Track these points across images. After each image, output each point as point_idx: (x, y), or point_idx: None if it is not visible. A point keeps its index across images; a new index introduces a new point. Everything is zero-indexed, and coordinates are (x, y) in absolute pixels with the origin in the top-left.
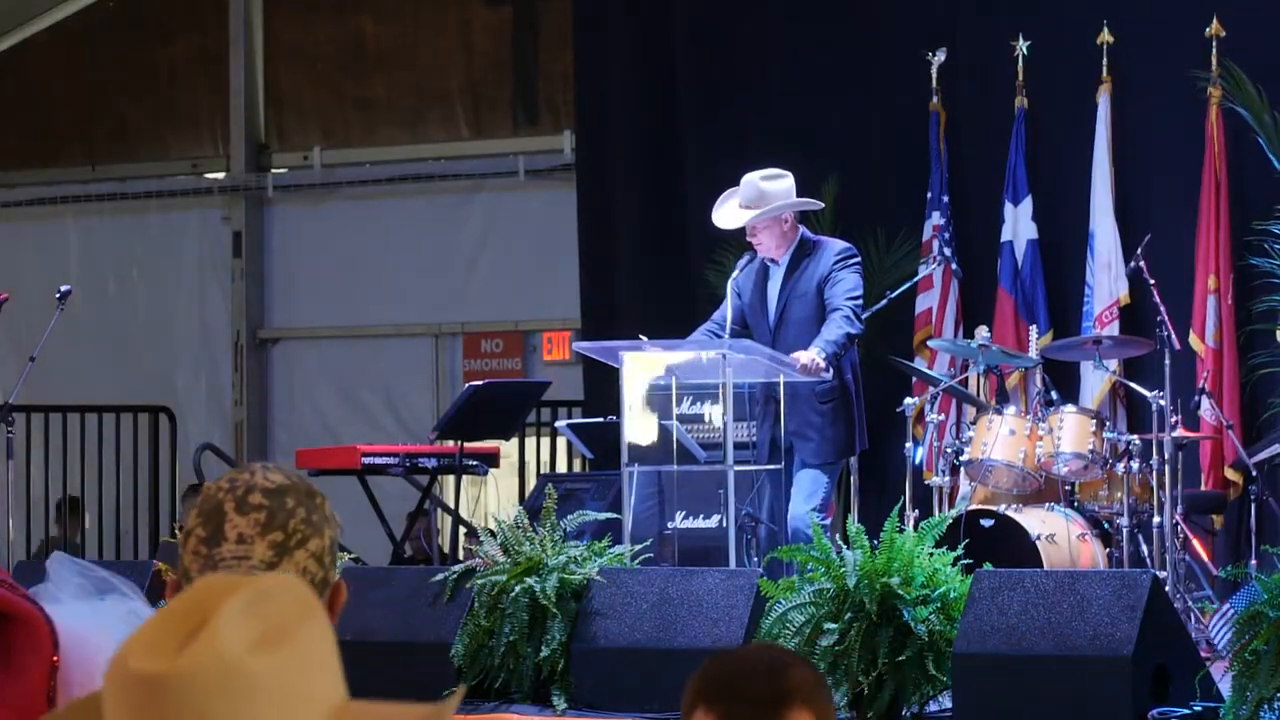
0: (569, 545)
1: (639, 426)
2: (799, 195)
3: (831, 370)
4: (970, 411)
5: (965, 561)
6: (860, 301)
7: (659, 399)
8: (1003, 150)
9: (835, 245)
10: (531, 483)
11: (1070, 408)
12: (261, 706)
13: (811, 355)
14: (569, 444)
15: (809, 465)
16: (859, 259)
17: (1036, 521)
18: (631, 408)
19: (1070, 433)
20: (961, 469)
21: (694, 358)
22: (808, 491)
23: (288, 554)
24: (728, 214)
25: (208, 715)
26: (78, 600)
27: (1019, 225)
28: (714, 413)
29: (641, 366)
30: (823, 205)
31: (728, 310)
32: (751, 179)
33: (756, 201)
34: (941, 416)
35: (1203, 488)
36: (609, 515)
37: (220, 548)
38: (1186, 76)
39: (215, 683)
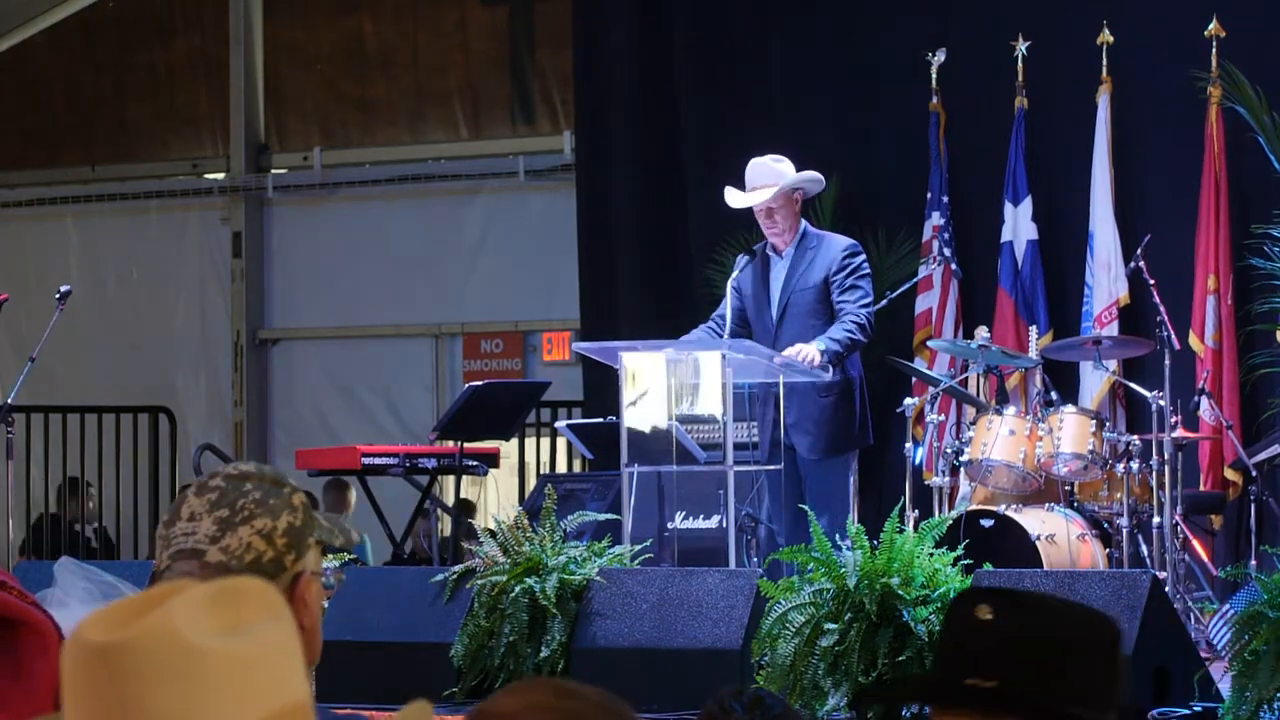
0: (569, 545)
1: (639, 426)
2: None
3: (831, 369)
4: (970, 412)
5: (965, 562)
6: (872, 311)
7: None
8: (1003, 150)
9: (840, 240)
10: (531, 483)
11: (1070, 408)
12: (208, 686)
13: (810, 350)
14: (569, 444)
15: (809, 462)
16: (865, 257)
17: (1036, 522)
18: (630, 408)
19: (1070, 433)
20: (961, 469)
21: (692, 359)
22: (813, 503)
23: (231, 529)
24: (742, 195)
25: (155, 686)
26: (85, 605)
27: (1019, 225)
28: (711, 406)
29: (641, 367)
30: (824, 182)
31: (727, 310)
32: (761, 160)
33: (772, 179)
34: (941, 417)
35: (1202, 488)
36: (609, 515)
37: (174, 527)
38: (1186, 76)
39: (163, 654)
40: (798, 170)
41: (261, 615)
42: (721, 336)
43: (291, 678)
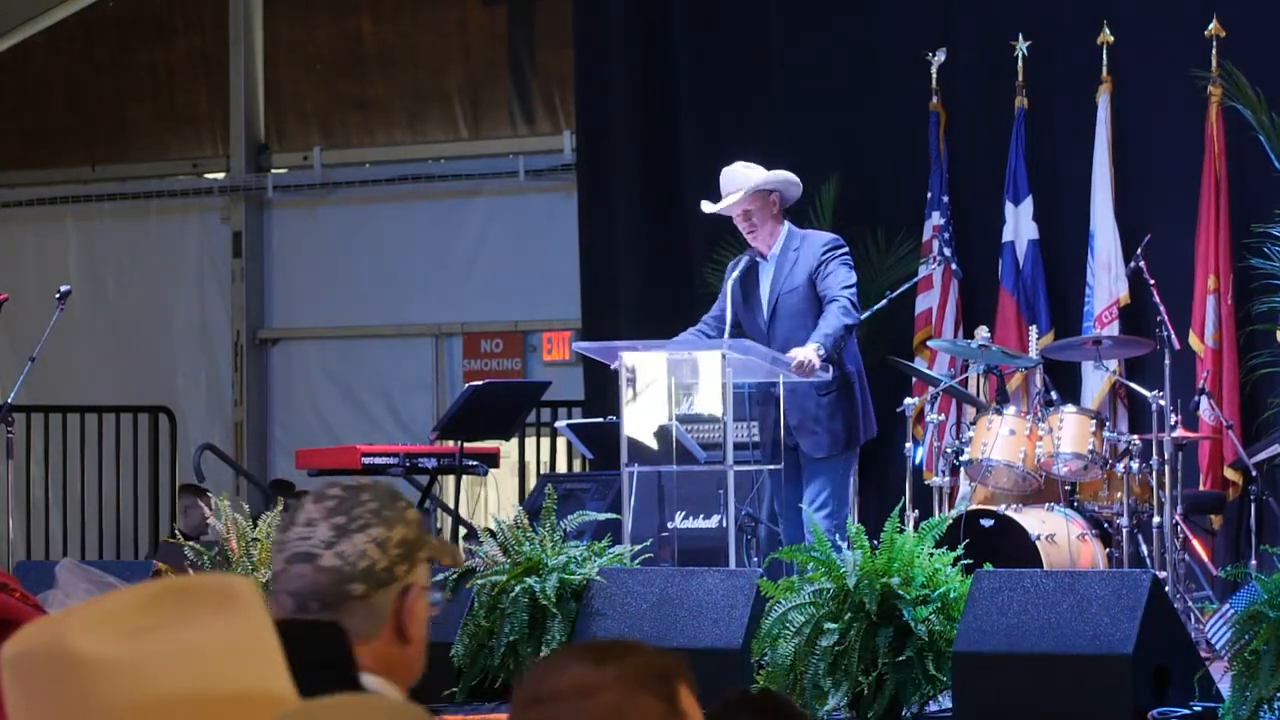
0: (569, 545)
1: (639, 426)
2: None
3: (830, 368)
4: (970, 411)
5: (965, 561)
6: (855, 291)
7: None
8: (1003, 150)
9: (822, 236)
10: (531, 483)
11: (1070, 408)
12: (93, 686)
13: (808, 354)
14: (569, 444)
15: (814, 460)
16: (847, 249)
17: (1036, 521)
18: (630, 408)
19: (1070, 433)
20: (961, 469)
21: (692, 359)
22: (816, 502)
23: (346, 536)
24: (715, 204)
25: (44, 696)
26: None
27: (1019, 225)
28: (711, 406)
29: (641, 367)
30: (800, 186)
31: (727, 305)
32: (733, 167)
33: (742, 184)
34: (941, 416)
35: (1202, 488)
36: (609, 515)
37: (289, 532)
38: (1186, 76)
39: (47, 664)
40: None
41: (203, 612)
42: (713, 337)
43: (233, 669)
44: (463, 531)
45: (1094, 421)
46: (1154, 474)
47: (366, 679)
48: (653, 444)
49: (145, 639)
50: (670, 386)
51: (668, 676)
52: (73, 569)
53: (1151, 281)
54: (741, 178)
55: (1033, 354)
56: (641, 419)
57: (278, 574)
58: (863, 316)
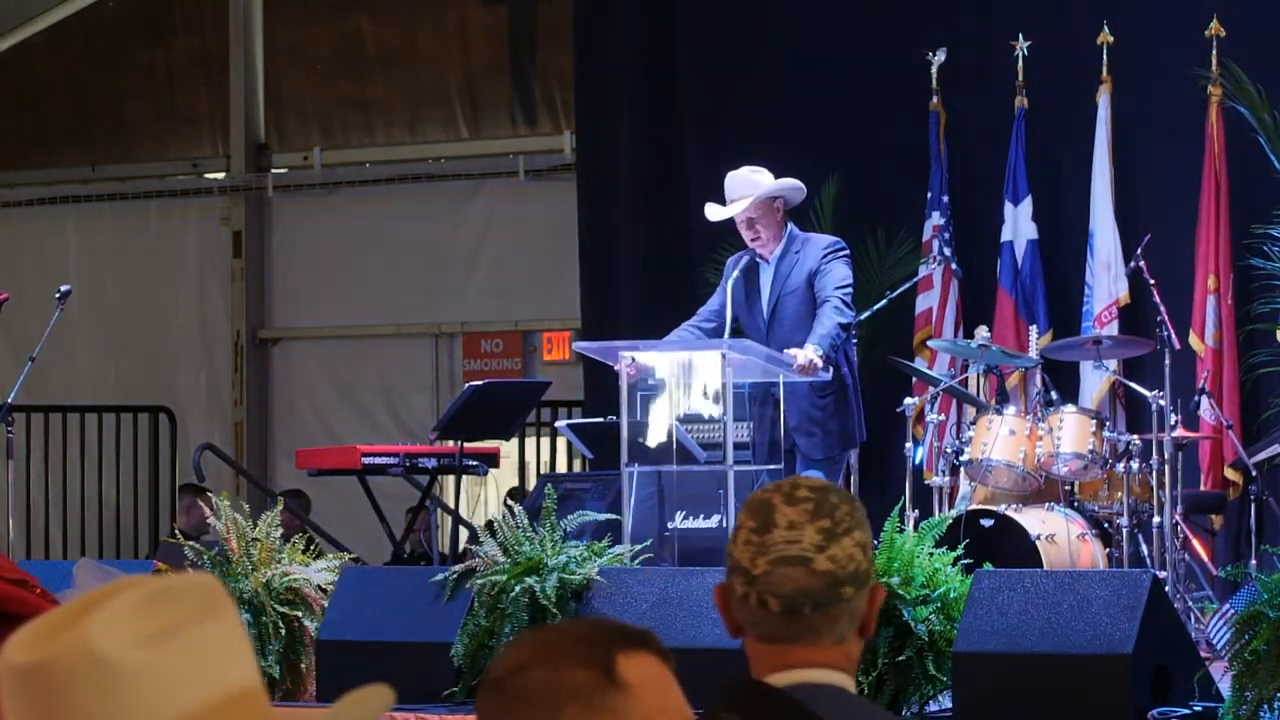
0: (569, 545)
1: (639, 427)
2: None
3: (830, 368)
4: (970, 411)
5: (965, 561)
6: (850, 290)
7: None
8: (1003, 150)
9: (823, 239)
10: (531, 483)
11: (1070, 408)
12: (127, 698)
13: (808, 355)
14: (569, 444)
15: (812, 461)
16: (848, 251)
17: (1036, 521)
18: (630, 408)
19: (1070, 433)
20: (961, 469)
21: (690, 358)
22: None
23: (835, 540)
24: (720, 208)
25: (74, 704)
26: None
27: (1019, 225)
28: (711, 406)
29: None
30: (804, 191)
31: (727, 303)
32: (738, 173)
33: (749, 190)
34: (941, 416)
35: (1202, 488)
36: (609, 515)
37: (771, 534)
38: (1186, 76)
39: (80, 672)
40: (776, 178)
41: (197, 614)
42: (706, 332)
43: (229, 671)
44: (463, 532)
45: (1094, 421)
46: (1154, 474)
47: (842, 678)
48: (652, 444)
49: (168, 645)
50: (670, 386)
51: (603, 645)
52: (90, 568)
53: (1151, 281)
54: (747, 183)
55: (1032, 354)
56: (641, 418)
57: (760, 575)
58: (862, 316)
